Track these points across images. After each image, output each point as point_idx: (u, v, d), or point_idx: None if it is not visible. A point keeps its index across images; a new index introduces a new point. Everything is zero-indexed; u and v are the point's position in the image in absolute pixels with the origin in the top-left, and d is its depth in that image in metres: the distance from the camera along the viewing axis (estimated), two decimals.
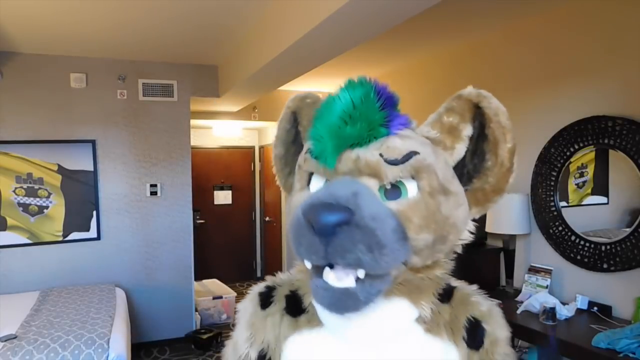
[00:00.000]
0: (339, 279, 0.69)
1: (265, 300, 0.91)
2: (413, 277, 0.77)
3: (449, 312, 0.82)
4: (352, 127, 0.72)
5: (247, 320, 0.91)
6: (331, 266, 0.70)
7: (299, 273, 0.91)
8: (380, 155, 0.71)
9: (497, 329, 0.83)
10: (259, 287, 0.95)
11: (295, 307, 0.88)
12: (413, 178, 0.72)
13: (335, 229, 0.65)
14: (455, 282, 0.88)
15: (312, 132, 0.77)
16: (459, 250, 0.84)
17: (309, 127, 0.86)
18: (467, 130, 0.77)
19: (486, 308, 0.84)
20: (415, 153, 0.72)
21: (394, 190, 0.72)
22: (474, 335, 0.81)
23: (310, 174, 0.80)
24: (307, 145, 0.81)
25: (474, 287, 0.89)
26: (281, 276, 0.95)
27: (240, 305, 0.95)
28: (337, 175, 0.75)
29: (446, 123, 0.78)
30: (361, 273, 0.68)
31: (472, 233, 0.82)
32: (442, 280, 0.84)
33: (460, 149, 0.78)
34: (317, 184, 0.79)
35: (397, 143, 0.72)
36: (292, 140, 0.93)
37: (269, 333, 0.88)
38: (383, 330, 0.77)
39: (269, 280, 0.96)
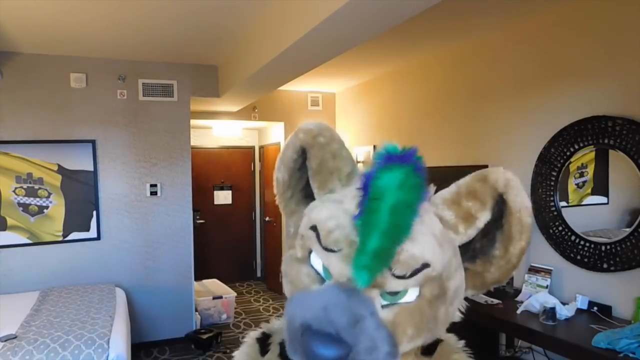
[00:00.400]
0: None
1: (263, 346, 0.91)
2: None
3: None
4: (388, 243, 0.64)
5: None
6: None
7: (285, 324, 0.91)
8: (389, 268, 0.66)
9: None
10: (255, 334, 0.95)
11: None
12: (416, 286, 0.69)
13: None
14: (444, 335, 0.83)
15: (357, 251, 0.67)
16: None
17: (318, 171, 0.81)
18: (485, 218, 0.72)
19: None
20: (426, 266, 0.67)
21: (394, 292, 0.69)
22: None
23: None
24: (312, 218, 0.74)
25: (461, 343, 0.85)
26: (275, 323, 0.94)
27: (239, 353, 0.94)
28: (341, 275, 0.69)
29: (464, 207, 0.72)
30: None
31: (462, 313, 0.78)
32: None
33: (472, 234, 0.73)
34: (319, 260, 0.73)
35: (410, 254, 0.66)
36: (298, 168, 0.85)
37: None
38: None
39: (264, 327, 0.96)
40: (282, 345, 0.87)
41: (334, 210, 0.72)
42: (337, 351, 0.63)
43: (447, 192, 0.74)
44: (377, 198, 0.64)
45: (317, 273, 0.73)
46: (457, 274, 0.73)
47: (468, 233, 0.72)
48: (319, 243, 0.71)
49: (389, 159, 0.66)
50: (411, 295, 0.69)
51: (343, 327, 0.64)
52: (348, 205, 0.71)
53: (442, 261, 0.69)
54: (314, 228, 0.72)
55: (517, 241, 0.71)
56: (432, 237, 0.69)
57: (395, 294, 0.68)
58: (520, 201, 0.70)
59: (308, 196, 0.85)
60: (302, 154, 0.84)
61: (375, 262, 0.64)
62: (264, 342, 0.92)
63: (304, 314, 0.67)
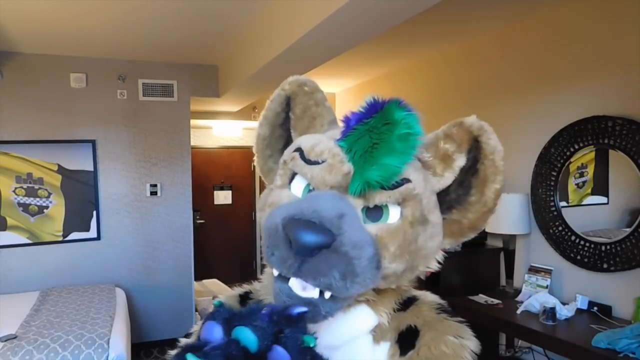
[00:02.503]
0: (304, 288, 0.67)
1: (242, 302, 0.92)
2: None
3: (406, 319, 0.77)
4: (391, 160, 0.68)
5: None
6: None
7: (265, 280, 0.89)
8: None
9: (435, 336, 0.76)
10: (239, 290, 0.95)
11: None
12: (398, 204, 0.71)
13: (313, 251, 0.63)
14: (417, 292, 0.82)
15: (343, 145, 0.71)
16: (422, 276, 0.80)
17: (301, 117, 0.86)
18: (460, 161, 0.75)
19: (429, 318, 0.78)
20: (407, 180, 0.70)
21: (376, 211, 0.71)
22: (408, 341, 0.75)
23: (294, 174, 0.76)
24: (297, 142, 0.78)
25: (436, 297, 0.81)
26: (255, 285, 0.94)
27: (217, 303, 0.93)
28: (323, 184, 0.72)
29: (441, 149, 0.75)
30: (327, 294, 0.67)
31: (439, 263, 0.79)
32: (405, 291, 0.80)
33: (449, 178, 0.76)
34: (299, 184, 0.76)
35: None
36: (280, 123, 0.88)
37: None
38: (335, 339, 0.74)
39: (247, 286, 0.96)
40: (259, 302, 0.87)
41: (318, 136, 0.77)
42: (321, 237, 0.63)
43: (425, 137, 0.76)
44: (390, 123, 0.68)
45: (298, 197, 0.75)
46: (436, 211, 0.75)
47: (445, 176, 0.76)
48: (302, 159, 0.74)
49: (378, 103, 0.71)
50: (393, 218, 0.71)
51: (327, 216, 0.65)
52: (331, 135, 0.76)
53: (423, 185, 0.72)
54: (297, 149, 0.76)
55: (492, 183, 0.74)
56: (414, 164, 0.72)
57: (377, 215, 0.71)
58: (494, 144, 0.73)
59: None
60: (286, 108, 0.87)
61: (379, 176, 0.67)
62: (244, 299, 0.92)
63: (286, 211, 0.68)
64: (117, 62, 3.93)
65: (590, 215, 2.65)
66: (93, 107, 3.86)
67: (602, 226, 2.57)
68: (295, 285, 0.68)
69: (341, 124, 0.76)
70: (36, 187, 3.70)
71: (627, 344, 1.93)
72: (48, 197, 3.73)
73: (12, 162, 3.64)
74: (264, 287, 0.88)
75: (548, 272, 2.72)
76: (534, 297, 2.50)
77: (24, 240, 3.69)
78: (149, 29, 3.18)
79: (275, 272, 0.70)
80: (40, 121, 3.70)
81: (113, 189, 3.94)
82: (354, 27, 2.22)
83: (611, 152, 2.48)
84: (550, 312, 2.34)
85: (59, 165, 3.75)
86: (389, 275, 0.72)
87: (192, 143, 4.38)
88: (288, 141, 0.87)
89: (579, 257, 2.60)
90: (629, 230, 2.36)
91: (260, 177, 5.16)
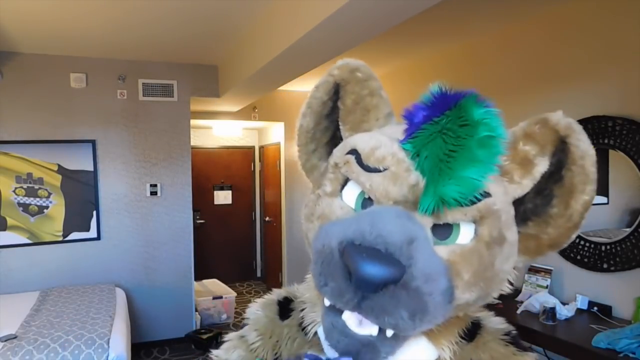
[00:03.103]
0: (362, 324, 0.57)
1: (284, 310, 0.80)
2: None
3: (470, 357, 0.68)
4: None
5: (264, 326, 0.80)
6: None
7: (306, 290, 0.80)
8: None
9: None
10: (277, 295, 0.84)
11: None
12: (473, 222, 0.59)
13: (378, 287, 0.53)
14: (480, 313, 0.74)
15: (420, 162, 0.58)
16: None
17: (353, 109, 0.72)
18: (543, 166, 0.63)
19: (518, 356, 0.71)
20: (487, 195, 0.58)
21: (445, 228, 0.60)
22: None
23: (347, 179, 0.65)
24: (352, 143, 0.65)
25: (504, 325, 0.75)
26: (298, 288, 0.83)
27: (254, 310, 0.83)
28: (385, 197, 0.60)
29: (521, 152, 0.63)
30: (389, 332, 0.57)
31: (511, 284, 0.67)
32: (470, 317, 0.71)
33: (527, 186, 0.64)
34: (352, 192, 0.64)
35: None
36: (327, 114, 0.74)
37: (285, 346, 0.77)
38: None
39: (286, 290, 0.85)
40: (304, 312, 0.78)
41: (377, 136, 0.64)
42: (389, 271, 0.51)
43: None
44: (469, 124, 0.56)
45: (352, 209, 0.64)
46: (513, 227, 0.63)
47: (523, 183, 0.63)
48: (359, 164, 0.62)
49: (449, 97, 0.59)
50: (465, 236, 0.60)
51: (395, 243, 0.53)
52: (391, 133, 0.64)
53: (503, 198, 0.61)
54: (352, 151, 0.64)
55: (580, 194, 0.62)
56: (493, 175, 0.60)
57: (446, 233, 0.60)
58: (584, 147, 0.60)
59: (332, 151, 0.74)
60: (334, 97, 0.73)
61: (459, 192, 0.55)
62: (285, 307, 0.81)
63: (344, 231, 0.56)
64: (117, 62, 3.93)
65: (590, 215, 2.62)
66: (93, 107, 3.86)
67: (602, 226, 2.56)
68: (351, 319, 0.58)
69: (401, 120, 0.65)
70: (36, 187, 3.70)
71: (627, 344, 1.92)
72: (48, 197, 3.73)
73: (12, 162, 3.64)
74: (309, 299, 0.76)
75: (548, 272, 2.72)
76: (534, 297, 2.50)
77: (24, 240, 3.69)
78: (149, 29, 3.18)
79: (327, 302, 0.60)
80: (40, 121, 3.71)
81: (113, 189, 3.94)
82: (354, 27, 2.22)
83: (611, 152, 2.47)
84: (550, 312, 2.34)
85: (59, 165, 3.75)
86: (459, 307, 0.62)
87: (192, 143, 4.38)
88: (335, 134, 0.76)
89: (579, 257, 2.60)
90: (629, 230, 2.36)
91: (260, 177, 5.17)
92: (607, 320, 2.34)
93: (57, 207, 3.76)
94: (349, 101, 0.72)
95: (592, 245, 2.53)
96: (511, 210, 0.63)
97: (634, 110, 2.34)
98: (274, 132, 5.71)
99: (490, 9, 2.74)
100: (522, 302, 2.56)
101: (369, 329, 0.57)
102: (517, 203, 0.65)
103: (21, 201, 3.67)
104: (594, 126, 2.50)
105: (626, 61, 2.37)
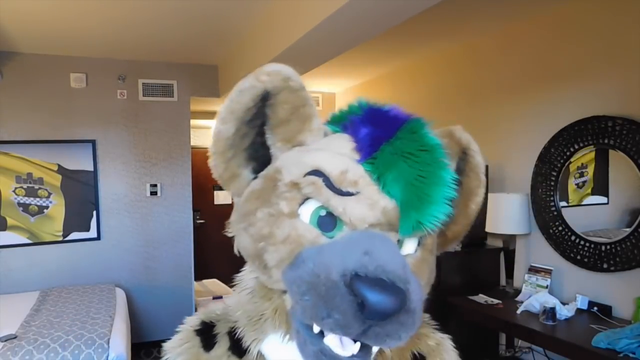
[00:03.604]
0: (344, 345, 0.58)
1: (207, 339, 0.75)
2: None
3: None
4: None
5: None
6: None
7: (236, 305, 0.76)
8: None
9: None
10: (192, 323, 0.78)
11: (239, 346, 0.73)
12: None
13: (389, 316, 0.54)
14: (430, 343, 0.78)
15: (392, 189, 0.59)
16: None
17: (287, 120, 0.68)
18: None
19: (434, 342, 0.77)
20: (447, 214, 0.62)
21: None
22: None
23: (306, 199, 0.62)
24: (313, 162, 0.63)
25: (426, 316, 0.79)
26: (215, 309, 0.80)
27: (170, 345, 0.76)
28: (361, 222, 0.60)
29: None
30: (375, 349, 0.60)
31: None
32: (418, 342, 0.77)
33: None
34: (309, 209, 0.62)
35: None
36: (249, 120, 0.68)
37: None
38: None
39: (202, 314, 0.80)
40: (232, 335, 0.74)
41: (340, 158, 0.62)
42: (400, 301, 0.53)
43: None
44: (428, 150, 0.60)
45: (315, 228, 0.62)
46: None
47: None
48: (328, 187, 0.60)
49: (378, 113, 0.63)
50: (410, 248, 0.63)
51: (395, 272, 0.55)
52: (338, 149, 0.63)
53: None
54: (316, 172, 0.61)
55: (475, 196, 0.73)
56: None
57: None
58: (479, 158, 0.72)
59: (252, 158, 0.71)
60: (259, 103, 0.68)
61: (435, 217, 0.58)
62: (206, 334, 0.76)
63: (343, 263, 0.55)
64: (117, 62, 3.93)
65: (590, 215, 2.65)
66: (93, 107, 3.86)
67: (602, 226, 2.57)
68: (333, 342, 0.58)
69: (329, 131, 0.67)
70: (36, 187, 3.70)
71: (627, 344, 1.92)
72: (48, 197, 3.73)
73: (12, 162, 3.64)
74: (246, 315, 0.73)
75: (548, 272, 2.72)
76: (534, 297, 2.50)
77: (24, 240, 3.69)
78: (149, 29, 3.18)
79: (317, 329, 0.59)
80: (40, 121, 3.70)
81: (113, 189, 3.94)
82: (354, 27, 2.22)
83: (611, 152, 2.47)
84: (550, 312, 2.34)
85: (59, 165, 3.75)
86: None
87: (192, 143, 4.38)
88: (254, 141, 0.71)
89: (579, 257, 2.60)
90: (629, 230, 2.36)
91: None
92: (607, 320, 2.34)
93: (57, 207, 3.76)
94: (282, 111, 0.68)
95: (592, 245, 2.53)
96: None
97: (634, 110, 2.34)
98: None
99: (491, 8, 2.74)
100: (522, 302, 2.56)
101: (351, 349, 0.58)
102: None
103: (21, 201, 3.67)
104: (594, 126, 2.50)
105: (626, 61, 2.37)
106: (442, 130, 0.71)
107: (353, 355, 0.58)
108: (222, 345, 0.74)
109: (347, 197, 0.60)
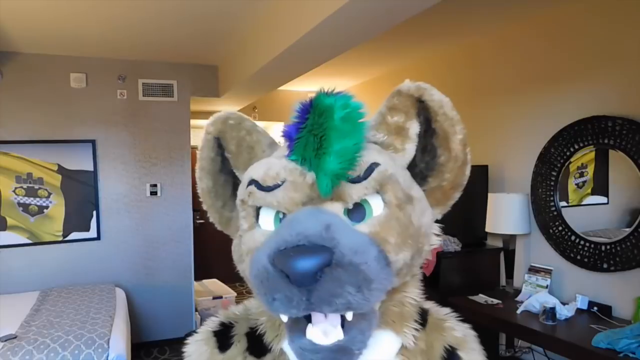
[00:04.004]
0: (326, 333, 0.61)
1: (223, 341, 0.79)
2: (392, 302, 0.72)
3: (424, 339, 0.75)
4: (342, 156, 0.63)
5: None
6: (308, 318, 0.63)
7: (258, 305, 0.79)
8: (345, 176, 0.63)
9: (474, 357, 0.77)
10: (212, 325, 0.82)
11: (259, 346, 0.76)
12: (377, 193, 0.65)
13: (316, 275, 0.56)
14: (426, 304, 0.81)
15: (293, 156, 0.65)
16: (429, 257, 0.77)
17: (238, 152, 0.78)
18: (415, 128, 0.72)
19: (461, 334, 0.78)
20: (376, 164, 0.65)
21: (358, 210, 0.65)
22: None
23: (258, 208, 0.69)
24: (248, 176, 0.70)
25: (447, 309, 0.82)
26: (235, 310, 0.83)
27: (190, 349, 0.80)
28: (293, 204, 0.65)
29: (392, 123, 0.72)
30: (349, 315, 0.61)
31: (437, 235, 0.75)
32: (419, 303, 0.78)
33: (411, 149, 0.72)
34: (268, 218, 0.68)
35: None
36: (219, 169, 0.80)
37: None
38: None
39: (222, 315, 0.84)
40: (248, 335, 0.78)
41: (265, 161, 0.71)
42: (318, 257, 0.56)
43: (371, 119, 0.73)
44: (325, 111, 0.63)
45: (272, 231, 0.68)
46: (414, 186, 0.72)
47: (407, 149, 0.72)
48: (260, 189, 0.67)
49: (306, 103, 0.66)
50: (378, 209, 0.65)
51: (313, 233, 0.58)
52: (277, 155, 0.71)
53: (392, 164, 0.68)
54: (251, 182, 0.69)
55: (453, 135, 0.70)
56: (374, 147, 0.69)
57: (361, 214, 0.65)
58: (438, 98, 0.70)
59: None
60: (219, 150, 0.79)
61: (340, 162, 0.61)
62: (224, 335, 0.80)
63: (269, 247, 0.60)
64: (117, 62, 3.93)
65: (590, 215, 2.65)
66: (93, 107, 3.86)
67: (602, 226, 2.57)
68: (315, 334, 0.61)
69: (282, 142, 0.72)
70: (36, 187, 3.70)
71: (627, 344, 1.92)
72: (48, 197, 3.73)
73: (12, 162, 3.64)
74: (264, 314, 0.77)
75: (548, 272, 2.72)
76: (534, 297, 2.50)
77: (24, 240, 3.69)
78: (149, 29, 3.18)
79: (284, 318, 0.63)
80: (40, 121, 3.70)
81: (113, 189, 3.94)
82: (354, 27, 2.22)
83: (611, 152, 2.48)
84: (550, 312, 2.34)
85: (59, 165, 3.75)
86: (401, 269, 0.67)
87: (192, 143, 4.38)
88: (235, 184, 0.79)
89: (579, 257, 2.60)
90: (629, 230, 2.36)
91: None
92: (607, 320, 2.34)
93: (57, 207, 3.76)
94: (232, 147, 0.78)
95: (592, 245, 2.53)
96: (406, 173, 0.71)
97: (634, 110, 2.34)
98: (274, 132, 5.71)
99: (489, 10, 2.74)
100: (522, 302, 2.56)
101: (334, 335, 0.61)
102: (412, 167, 0.73)
103: (21, 201, 3.67)
104: (594, 126, 2.50)
105: (626, 61, 2.37)
106: (391, 92, 0.73)
107: (338, 341, 0.61)
108: (238, 346, 0.78)
109: (275, 189, 0.65)
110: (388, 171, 0.66)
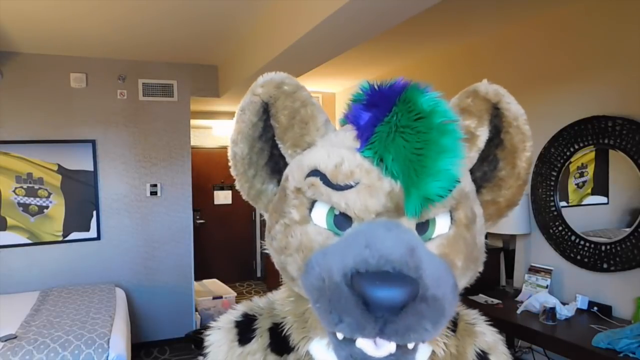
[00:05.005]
0: (380, 346, 0.55)
1: (245, 333, 0.73)
2: None
3: (455, 344, 0.72)
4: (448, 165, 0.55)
5: (224, 358, 0.72)
6: None
7: (284, 301, 0.73)
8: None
9: None
10: (235, 314, 0.76)
11: (281, 343, 0.70)
12: (450, 209, 0.59)
13: (401, 309, 0.50)
14: (458, 309, 0.77)
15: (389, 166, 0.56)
16: None
17: (289, 125, 0.67)
18: (484, 135, 0.66)
19: (492, 339, 0.76)
20: (457, 181, 0.57)
21: (423, 223, 0.59)
22: None
23: (314, 201, 0.61)
24: (310, 162, 0.62)
25: (475, 312, 0.79)
26: (259, 302, 0.77)
27: (211, 338, 0.74)
28: (366, 212, 0.57)
29: (463, 127, 0.62)
30: (411, 345, 0.56)
31: (486, 252, 0.69)
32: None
33: (474, 158, 0.66)
34: (321, 212, 0.61)
35: None
36: (259, 135, 0.70)
37: None
38: None
39: (246, 306, 0.77)
40: (271, 331, 0.72)
41: (335, 150, 0.60)
42: (407, 290, 0.50)
43: None
44: (423, 116, 0.54)
45: (327, 229, 0.60)
46: (477, 200, 0.65)
47: (471, 156, 0.65)
48: (326, 184, 0.58)
49: (376, 92, 0.58)
50: (443, 227, 0.59)
51: (399, 260, 0.51)
52: (341, 142, 0.61)
53: (468, 180, 0.62)
54: (314, 172, 0.60)
55: (522, 152, 0.65)
56: None
57: (424, 228, 0.59)
58: (515, 109, 0.65)
59: (275, 171, 0.71)
60: (264, 116, 0.69)
61: (441, 187, 0.54)
62: (246, 327, 0.74)
63: (343, 262, 0.53)
64: (117, 62, 3.93)
65: (590, 215, 2.65)
66: (93, 107, 3.86)
67: (602, 226, 2.57)
68: (367, 345, 0.55)
69: (338, 126, 0.65)
70: (36, 187, 3.70)
71: (627, 344, 1.92)
72: (48, 197, 3.73)
73: (12, 162, 3.64)
74: (292, 312, 0.71)
75: (548, 272, 2.72)
76: (534, 297, 2.50)
77: (24, 240, 3.69)
78: (149, 29, 3.18)
79: (340, 336, 0.56)
80: (40, 121, 3.71)
81: (113, 189, 3.94)
82: (354, 27, 2.22)
83: (611, 152, 2.48)
84: (550, 312, 2.34)
85: (59, 165, 3.75)
86: (460, 293, 0.62)
87: (192, 143, 4.39)
88: (272, 153, 0.71)
89: (579, 257, 2.60)
90: (629, 230, 2.36)
91: None
92: (607, 320, 2.34)
93: (57, 207, 3.76)
94: (283, 118, 0.67)
95: (592, 245, 2.53)
96: (474, 188, 0.64)
97: (634, 110, 2.34)
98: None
99: (490, 10, 2.74)
100: (522, 302, 2.56)
101: (387, 348, 0.55)
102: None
103: (21, 201, 3.67)
104: (594, 126, 2.50)
105: (626, 61, 2.37)
106: (464, 91, 0.67)
107: (390, 355, 0.55)
108: (259, 341, 0.72)
109: (347, 190, 0.57)
110: (466, 189, 0.60)
